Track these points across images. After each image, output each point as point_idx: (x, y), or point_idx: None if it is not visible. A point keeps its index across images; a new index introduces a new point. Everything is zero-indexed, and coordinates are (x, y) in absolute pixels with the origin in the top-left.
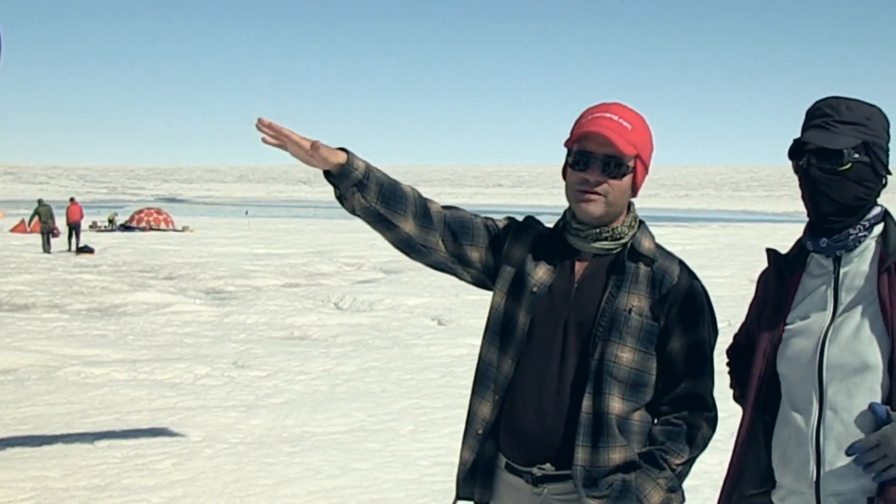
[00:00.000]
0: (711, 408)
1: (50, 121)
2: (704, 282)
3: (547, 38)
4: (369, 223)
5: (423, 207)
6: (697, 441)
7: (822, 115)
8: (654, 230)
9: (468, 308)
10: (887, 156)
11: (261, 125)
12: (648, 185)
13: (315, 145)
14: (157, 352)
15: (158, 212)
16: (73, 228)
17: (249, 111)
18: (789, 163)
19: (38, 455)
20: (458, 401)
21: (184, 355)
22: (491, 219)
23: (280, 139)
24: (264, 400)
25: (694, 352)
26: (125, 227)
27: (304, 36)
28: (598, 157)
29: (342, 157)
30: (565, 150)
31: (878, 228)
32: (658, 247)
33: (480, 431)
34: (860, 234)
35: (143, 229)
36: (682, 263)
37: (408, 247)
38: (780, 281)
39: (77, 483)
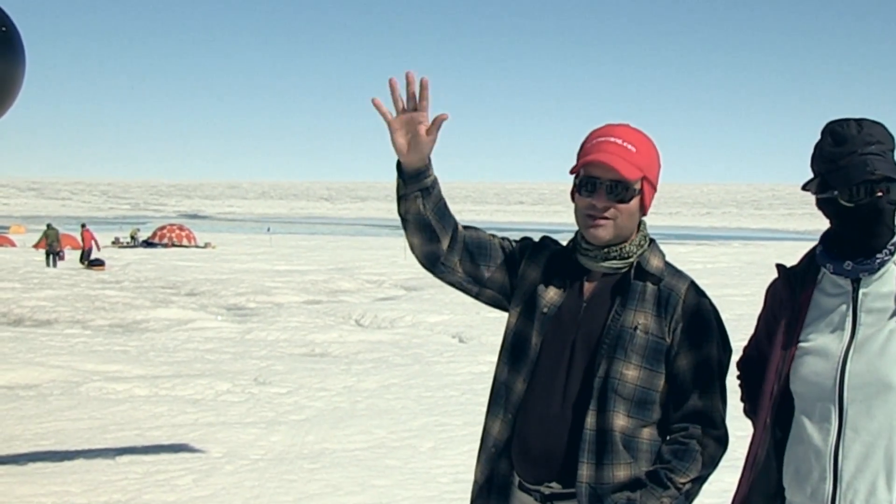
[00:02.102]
0: (720, 426)
1: (73, 136)
2: (725, 300)
3: (569, 55)
4: (411, 230)
5: (456, 227)
6: (705, 460)
7: (875, 141)
8: (675, 248)
9: (489, 325)
10: None
11: (408, 76)
12: (670, 203)
13: (427, 130)
14: (179, 368)
15: (181, 228)
16: (86, 254)
17: (271, 128)
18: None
19: (59, 470)
20: (477, 418)
21: (205, 371)
22: (508, 239)
23: (413, 102)
24: (285, 416)
25: (701, 369)
26: (147, 244)
27: (329, 52)
28: (604, 182)
29: (426, 161)
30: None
31: None
32: (667, 265)
33: (494, 450)
34: (885, 258)
35: (165, 245)
36: (690, 281)
37: (433, 262)
38: (791, 296)
39: (98, 498)
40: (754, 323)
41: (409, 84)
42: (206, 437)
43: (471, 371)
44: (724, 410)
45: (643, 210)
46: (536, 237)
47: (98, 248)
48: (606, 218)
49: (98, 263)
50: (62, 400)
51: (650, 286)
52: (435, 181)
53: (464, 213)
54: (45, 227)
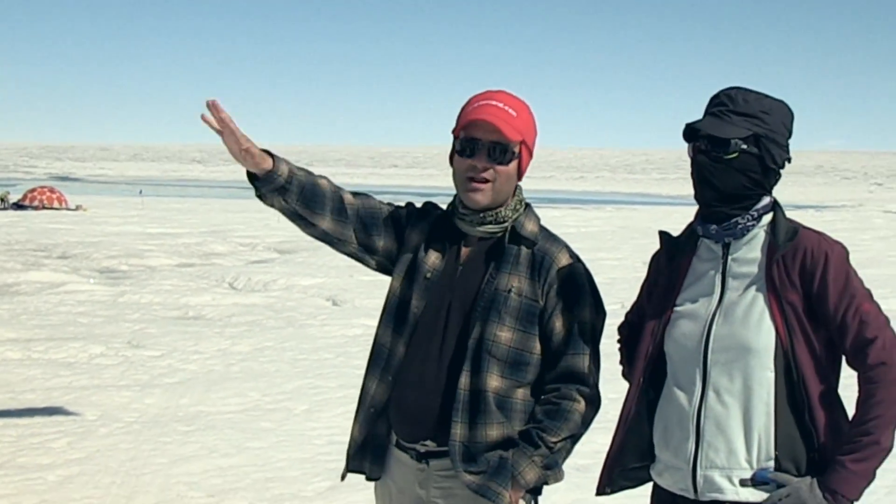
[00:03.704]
0: (592, 387)
1: None
2: (598, 264)
3: (442, 16)
4: (286, 219)
5: (339, 202)
6: (576, 419)
7: (719, 104)
8: (549, 212)
9: (363, 289)
10: (784, 150)
11: (211, 107)
12: (544, 167)
13: (249, 150)
14: (52, 331)
15: (52, 190)
16: None
17: (142, 88)
18: (684, 146)
19: None
20: (352, 381)
21: (78, 334)
22: (393, 205)
23: (222, 126)
24: (159, 379)
25: (574, 332)
26: (18, 206)
27: (200, 5)
28: (484, 143)
29: (269, 164)
30: (452, 138)
31: (767, 218)
32: (542, 229)
33: (372, 411)
34: (748, 224)
35: (35, 208)
36: (564, 246)
37: (323, 239)
38: (671, 263)
39: None
40: (626, 287)
41: (210, 110)
42: (80, 400)
43: (345, 334)
44: (597, 372)
45: (519, 175)
46: (419, 202)
47: None
48: (486, 180)
49: None
50: None
51: (524, 250)
52: (290, 177)
53: (337, 176)
54: None
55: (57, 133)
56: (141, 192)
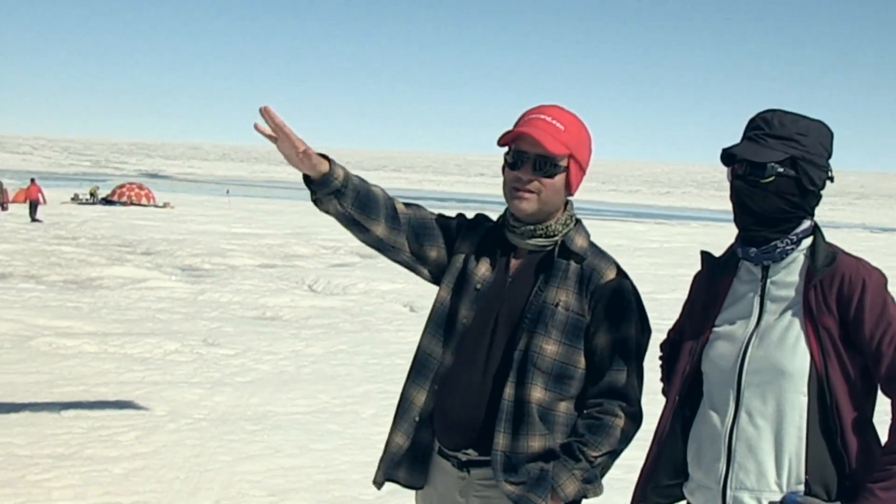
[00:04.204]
0: (634, 403)
1: (36, 91)
2: (678, 279)
3: (532, 29)
4: (341, 224)
5: (392, 209)
6: (617, 435)
7: (756, 127)
8: (633, 226)
9: None
10: (823, 170)
11: (265, 113)
12: (630, 181)
13: (307, 152)
14: (129, 326)
15: (140, 187)
16: (33, 205)
17: (234, 90)
18: None
19: (4, 422)
20: None
21: (155, 330)
22: (444, 216)
23: (277, 132)
24: (230, 378)
25: (618, 348)
26: (106, 201)
27: (293, 15)
28: (530, 156)
29: (325, 167)
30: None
31: (807, 242)
32: (591, 245)
33: (418, 419)
34: (787, 248)
35: (124, 204)
36: (613, 262)
37: (377, 247)
38: (712, 283)
39: (41, 451)
40: None
41: (264, 117)
42: (151, 395)
43: (418, 340)
44: (640, 389)
45: (569, 189)
46: (471, 216)
47: (44, 202)
48: (530, 191)
49: (37, 221)
50: (12, 353)
51: (573, 265)
52: (346, 180)
53: (424, 182)
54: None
55: (149, 130)
56: (228, 191)
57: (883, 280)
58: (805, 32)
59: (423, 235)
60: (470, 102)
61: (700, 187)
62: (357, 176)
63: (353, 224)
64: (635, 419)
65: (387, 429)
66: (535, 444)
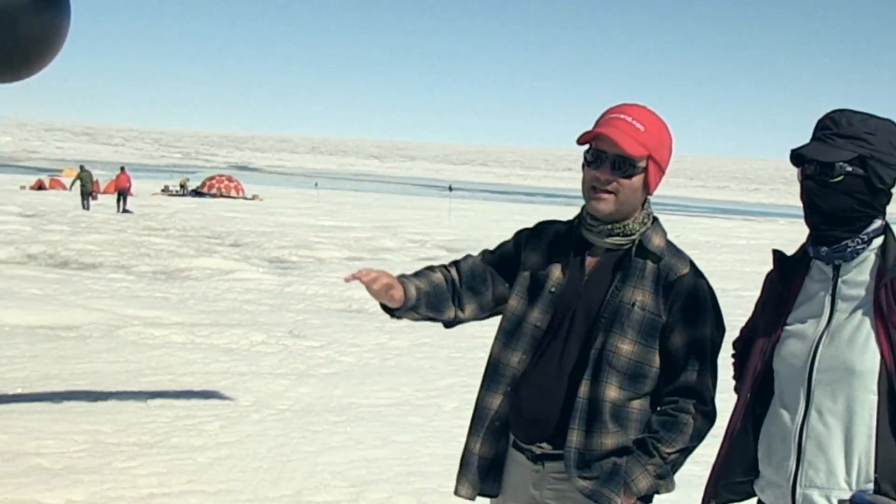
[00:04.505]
0: (708, 402)
1: (128, 83)
2: (763, 277)
3: (623, 23)
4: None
5: (454, 292)
6: (690, 432)
7: (824, 128)
8: (720, 223)
9: None
10: (893, 169)
11: (352, 279)
12: (718, 178)
13: (393, 295)
14: (216, 317)
15: (230, 179)
16: (121, 194)
17: (324, 83)
18: None
19: (92, 410)
20: None
21: (241, 322)
22: (491, 251)
23: (369, 281)
24: (315, 369)
25: (694, 348)
26: (196, 193)
27: (383, 9)
28: (609, 156)
29: (400, 293)
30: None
31: (878, 241)
32: (669, 244)
33: (498, 424)
34: (858, 247)
35: (213, 195)
36: (689, 262)
37: (456, 325)
38: (784, 282)
39: (128, 439)
40: None
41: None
42: (237, 385)
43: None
44: (714, 388)
45: (647, 189)
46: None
47: (132, 193)
48: (609, 192)
49: (128, 212)
50: (101, 342)
51: (650, 264)
52: (418, 296)
53: (511, 177)
54: (78, 170)
55: (238, 123)
56: (317, 184)
57: None
58: None
59: (478, 287)
60: (559, 96)
61: (788, 184)
62: (422, 275)
63: (429, 320)
64: (708, 417)
65: (468, 422)
66: (609, 441)
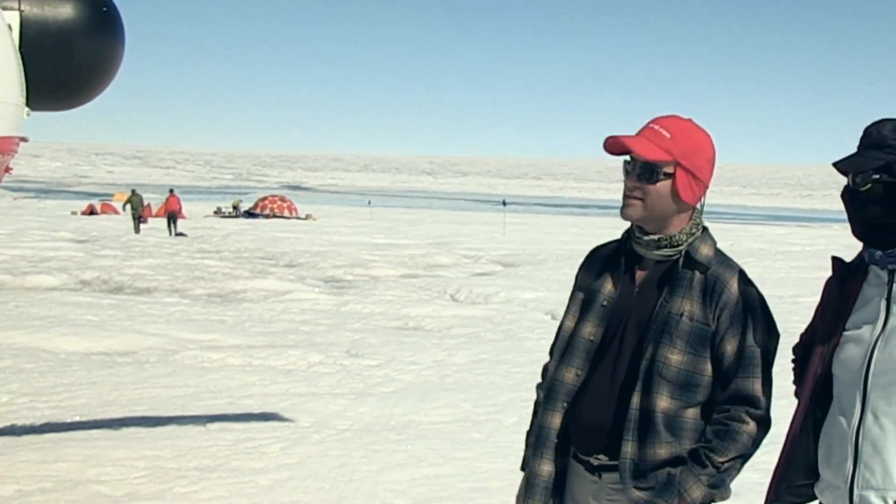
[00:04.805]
0: (761, 408)
1: (178, 105)
2: (818, 283)
3: (671, 32)
4: None
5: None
6: (744, 440)
7: (861, 140)
8: (774, 230)
9: None
10: None
11: None
12: (771, 184)
13: None
14: (273, 338)
15: (282, 199)
16: (171, 217)
17: (375, 100)
18: None
19: (152, 435)
20: None
21: (299, 342)
22: (566, 314)
23: None
24: (374, 388)
25: (743, 355)
26: (249, 214)
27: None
28: (636, 164)
29: None
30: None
31: None
32: (718, 253)
33: (559, 441)
34: None
35: (266, 216)
36: (738, 270)
37: None
38: (842, 288)
39: (188, 463)
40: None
41: None
42: (296, 406)
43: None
44: (769, 394)
45: (678, 195)
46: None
47: (183, 215)
48: (636, 198)
49: (182, 235)
50: (158, 367)
51: (698, 274)
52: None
53: (565, 189)
54: (129, 194)
55: (290, 142)
56: (370, 202)
57: None
58: None
59: None
60: (611, 107)
61: (841, 189)
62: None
63: None
64: (762, 424)
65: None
66: (663, 451)
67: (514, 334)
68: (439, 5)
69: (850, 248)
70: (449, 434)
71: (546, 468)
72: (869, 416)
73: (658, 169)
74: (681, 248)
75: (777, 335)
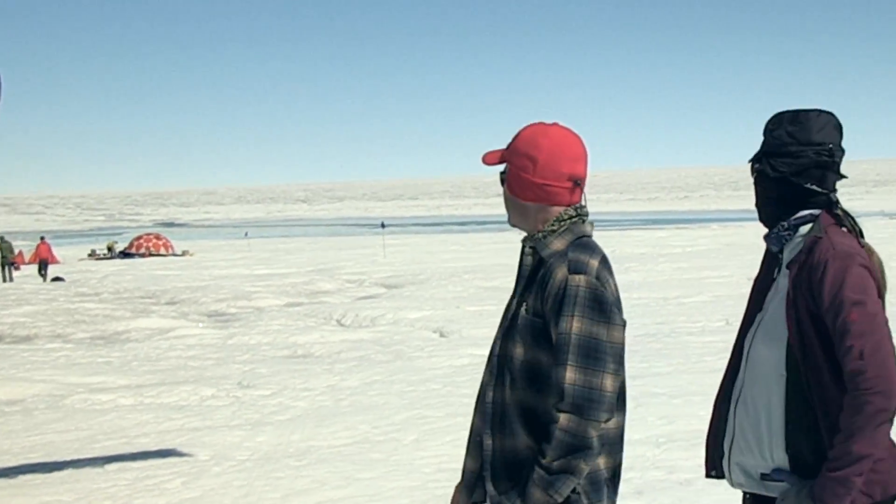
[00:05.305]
0: (572, 398)
1: (44, 150)
2: (703, 282)
3: (535, 43)
4: None
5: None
6: (560, 437)
7: (773, 128)
8: (654, 233)
9: (469, 319)
10: (789, 157)
11: None
12: (648, 189)
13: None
14: (162, 376)
15: (157, 237)
16: (43, 264)
17: (245, 132)
18: None
19: (49, 481)
20: (459, 409)
21: (189, 378)
22: None
23: None
24: (270, 417)
25: (559, 343)
26: (125, 254)
27: (301, 54)
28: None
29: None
30: None
31: (805, 229)
32: (572, 247)
33: (479, 439)
34: (782, 232)
35: (142, 255)
36: (568, 261)
37: None
38: (768, 272)
39: None
40: (730, 304)
41: None
42: (193, 441)
43: (451, 364)
44: (595, 384)
45: (515, 195)
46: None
47: (54, 261)
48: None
49: (59, 279)
50: (48, 413)
51: (542, 269)
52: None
53: (443, 208)
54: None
55: (161, 179)
56: (247, 234)
57: (846, 262)
58: (815, 27)
59: None
60: (481, 123)
61: (718, 189)
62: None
63: None
64: (578, 413)
65: (430, 453)
66: (517, 444)
67: (405, 354)
68: (298, 30)
69: (731, 246)
70: (349, 456)
71: (469, 463)
72: (743, 396)
73: (502, 174)
74: (536, 245)
75: (615, 324)
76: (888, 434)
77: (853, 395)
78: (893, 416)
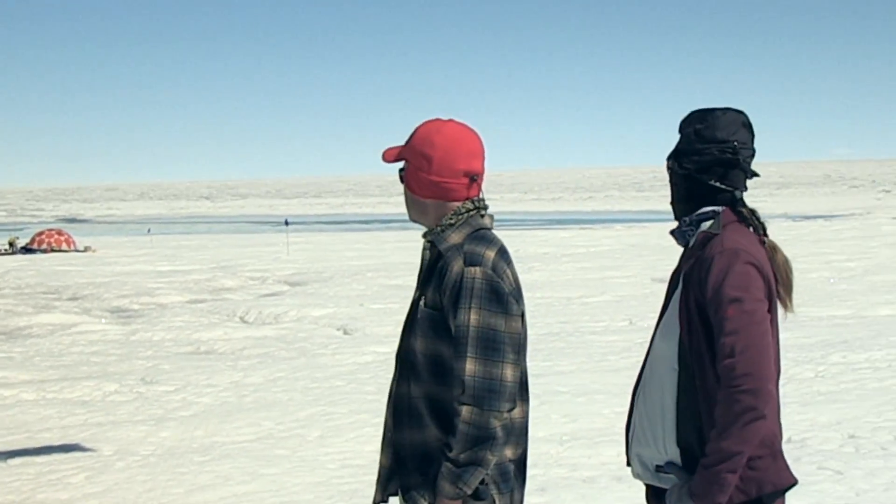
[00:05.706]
0: (471, 389)
1: None
2: (607, 282)
3: (447, 47)
4: None
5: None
6: (463, 429)
7: (685, 126)
8: (558, 233)
9: (373, 317)
10: (696, 154)
11: None
12: (552, 189)
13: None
14: (65, 371)
15: (59, 233)
16: None
17: (149, 128)
18: None
19: None
20: (363, 406)
21: (92, 374)
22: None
23: None
24: (173, 413)
25: (457, 335)
26: (26, 250)
27: (209, 49)
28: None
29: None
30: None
31: (706, 225)
32: (469, 239)
33: (389, 435)
34: (683, 228)
35: (44, 251)
36: (463, 253)
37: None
38: (678, 267)
39: None
40: (634, 304)
41: None
42: (97, 436)
43: (356, 361)
44: (490, 376)
45: (412, 191)
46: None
47: None
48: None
49: None
50: None
51: (440, 262)
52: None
53: (346, 206)
54: None
55: (63, 174)
56: (149, 230)
57: (730, 259)
58: (722, 26)
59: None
60: (385, 121)
61: (622, 190)
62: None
63: None
64: (477, 405)
65: (334, 449)
66: (416, 436)
67: (309, 351)
68: (197, 26)
69: (635, 246)
70: (253, 452)
71: (381, 458)
72: (643, 388)
73: (401, 171)
74: (434, 239)
75: (513, 314)
76: (761, 431)
77: (725, 392)
78: (764, 414)
